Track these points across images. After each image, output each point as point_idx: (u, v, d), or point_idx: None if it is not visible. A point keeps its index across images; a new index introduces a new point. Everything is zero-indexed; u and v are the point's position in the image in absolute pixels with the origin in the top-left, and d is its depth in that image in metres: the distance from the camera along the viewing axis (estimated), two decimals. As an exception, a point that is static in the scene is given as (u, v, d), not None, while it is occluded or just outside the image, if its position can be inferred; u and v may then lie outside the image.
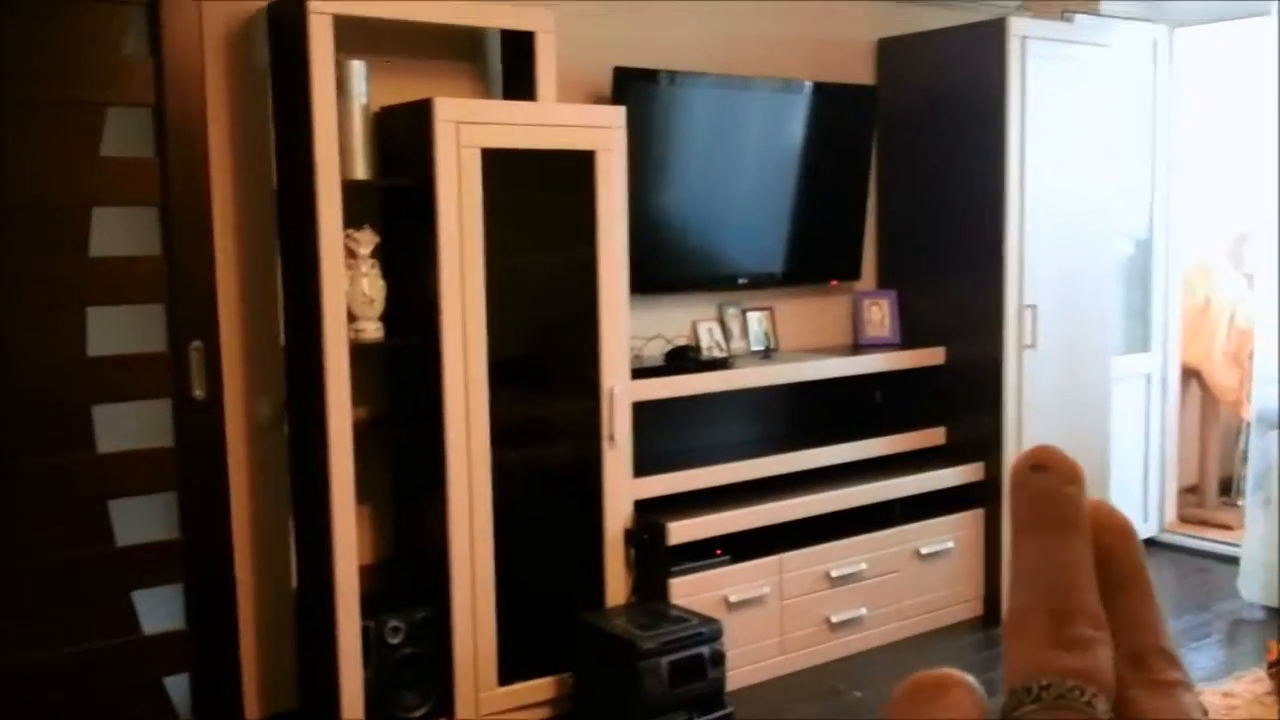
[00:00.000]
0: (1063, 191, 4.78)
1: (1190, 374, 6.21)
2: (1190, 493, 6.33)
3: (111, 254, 3.26)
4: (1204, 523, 6.02)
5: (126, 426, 3.33)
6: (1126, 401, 5.55)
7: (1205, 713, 0.42)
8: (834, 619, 4.35)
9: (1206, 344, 6.16)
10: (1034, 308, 4.69)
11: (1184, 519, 6.05)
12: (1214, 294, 6.19)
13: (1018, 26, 4.60)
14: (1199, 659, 4.34)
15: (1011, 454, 4.69)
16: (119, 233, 3.29)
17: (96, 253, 3.24)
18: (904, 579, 4.55)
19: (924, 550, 4.59)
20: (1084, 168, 4.87)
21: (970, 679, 0.40)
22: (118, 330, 3.30)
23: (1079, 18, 5.30)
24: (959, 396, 4.78)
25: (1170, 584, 5.41)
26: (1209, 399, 6.28)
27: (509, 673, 3.73)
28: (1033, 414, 4.75)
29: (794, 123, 4.60)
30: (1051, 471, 0.42)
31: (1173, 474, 5.99)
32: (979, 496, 4.74)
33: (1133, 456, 5.71)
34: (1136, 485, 5.76)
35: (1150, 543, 5.83)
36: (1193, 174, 5.94)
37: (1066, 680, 0.39)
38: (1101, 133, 4.93)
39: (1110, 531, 0.43)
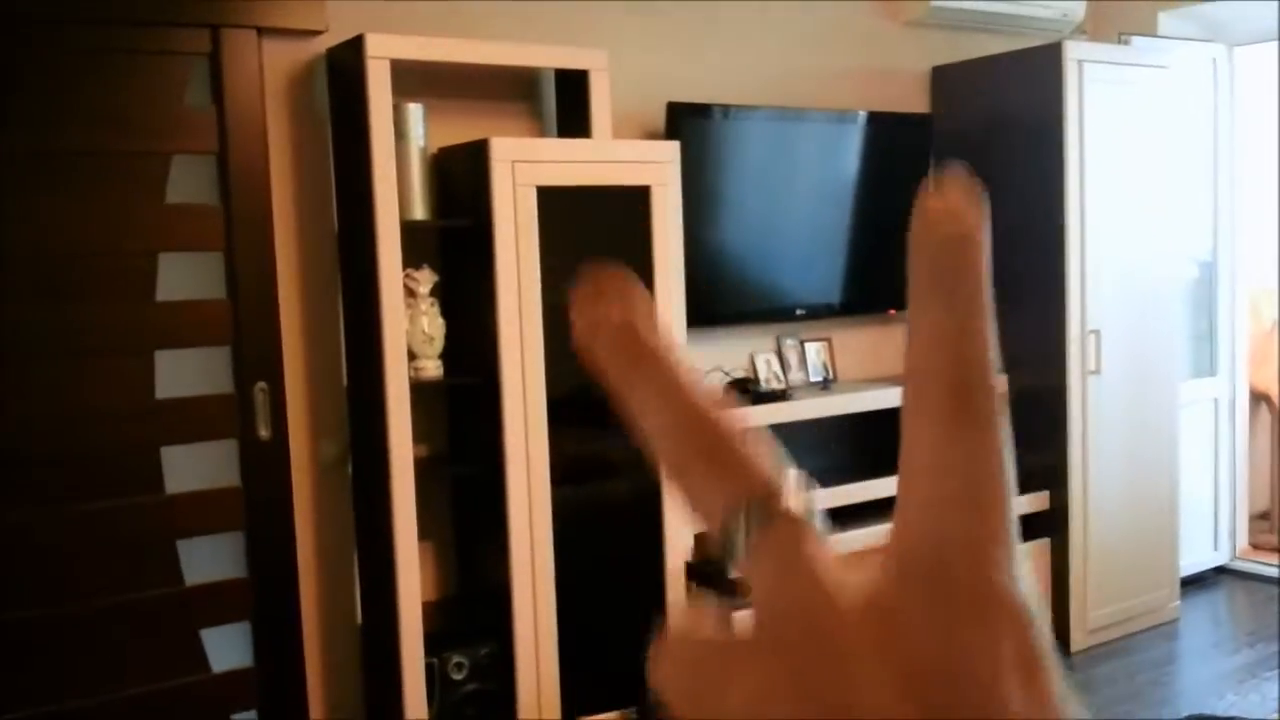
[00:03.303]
0: (1124, 215, 4.73)
1: (1259, 398, 6.10)
2: (1261, 519, 6.20)
3: (178, 299, 3.33)
4: (1276, 549, 5.90)
5: (194, 468, 3.38)
6: (1194, 427, 5.46)
7: None
8: (898, 651, 4.31)
9: (1275, 367, 6.05)
10: (1097, 333, 4.64)
11: (1255, 545, 5.93)
12: (1281, 316, 6.09)
13: (1074, 51, 4.56)
14: (1272, 689, 4.25)
15: (1078, 483, 4.64)
16: (185, 278, 3.36)
17: (163, 298, 3.31)
18: (969, 610, 4.49)
19: (989, 581, 4.53)
20: (1145, 191, 4.81)
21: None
22: (185, 373, 3.36)
23: (1136, 40, 5.26)
24: (1022, 424, 4.63)
25: (1242, 612, 5.31)
26: (1279, 423, 6.16)
27: (573, 708, 3.73)
28: (1099, 441, 4.69)
29: (849, 153, 4.59)
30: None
31: (1243, 500, 5.88)
32: (1044, 526, 4.67)
33: (1202, 483, 5.61)
34: (1206, 512, 5.66)
35: (1221, 570, 5.72)
36: (1257, 194, 5.85)
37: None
38: (1162, 155, 4.87)
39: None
